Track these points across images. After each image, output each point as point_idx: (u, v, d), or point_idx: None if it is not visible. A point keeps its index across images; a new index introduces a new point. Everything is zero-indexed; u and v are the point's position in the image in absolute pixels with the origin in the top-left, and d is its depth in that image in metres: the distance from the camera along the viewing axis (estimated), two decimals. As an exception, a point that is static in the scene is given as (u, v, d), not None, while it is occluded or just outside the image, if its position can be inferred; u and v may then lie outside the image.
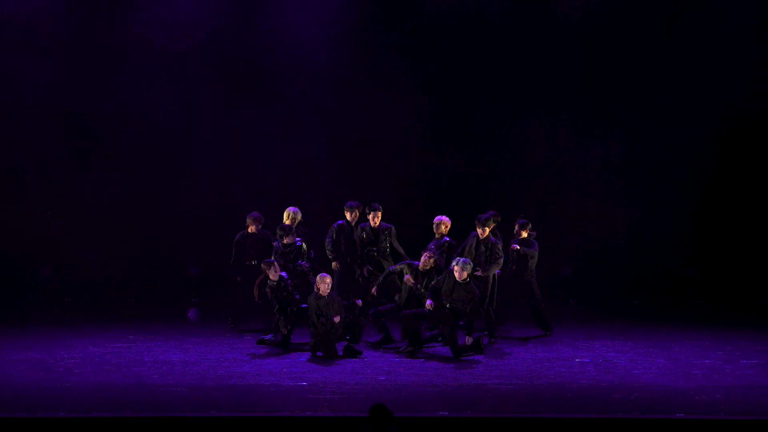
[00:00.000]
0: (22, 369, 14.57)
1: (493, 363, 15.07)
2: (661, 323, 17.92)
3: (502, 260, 16.37)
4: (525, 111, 20.65)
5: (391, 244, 16.93)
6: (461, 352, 15.36)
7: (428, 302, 15.35)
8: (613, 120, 20.80)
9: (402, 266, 16.07)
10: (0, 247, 20.28)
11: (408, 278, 15.76)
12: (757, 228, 20.60)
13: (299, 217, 17.17)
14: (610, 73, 20.60)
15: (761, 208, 20.57)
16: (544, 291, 17.10)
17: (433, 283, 15.57)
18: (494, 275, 16.41)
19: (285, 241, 16.60)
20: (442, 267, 16.01)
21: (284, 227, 16.68)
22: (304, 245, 16.82)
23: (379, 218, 16.90)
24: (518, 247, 16.68)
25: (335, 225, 17.15)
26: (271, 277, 15.68)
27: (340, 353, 15.36)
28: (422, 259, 15.90)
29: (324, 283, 15.36)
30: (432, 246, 16.41)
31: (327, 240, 17.07)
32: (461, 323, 15.48)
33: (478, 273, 16.11)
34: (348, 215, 17.13)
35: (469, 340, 15.44)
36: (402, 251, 16.91)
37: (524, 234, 16.85)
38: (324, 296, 15.33)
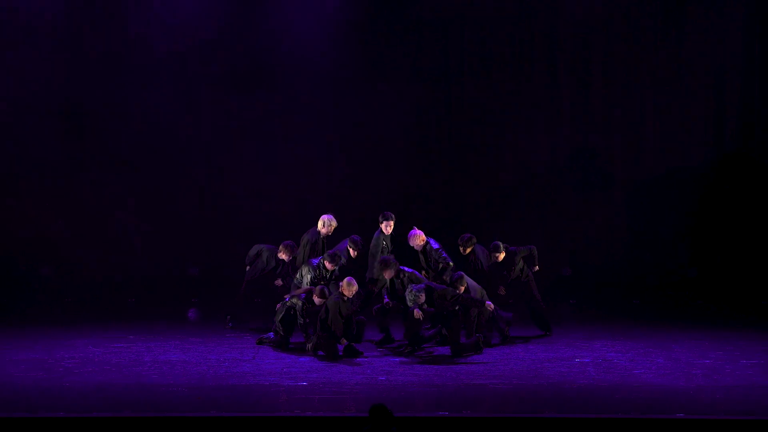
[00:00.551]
0: (22, 369, 14.57)
1: (493, 363, 15.06)
2: (661, 323, 17.91)
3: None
4: (525, 111, 20.66)
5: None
6: (461, 352, 15.35)
7: (416, 311, 15.33)
8: (613, 120, 20.79)
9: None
10: (0, 247, 20.30)
11: (417, 312, 15.54)
12: (757, 228, 20.59)
13: (334, 224, 16.93)
14: (609, 73, 20.60)
15: (761, 208, 20.56)
16: (544, 291, 17.08)
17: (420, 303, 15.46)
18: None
19: (329, 267, 16.30)
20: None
21: (333, 256, 16.30)
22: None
23: (391, 227, 16.70)
24: (503, 292, 16.57)
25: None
26: (316, 302, 15.57)
27: (341, 354, 15.35)
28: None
29: (352, 288, 15.31)
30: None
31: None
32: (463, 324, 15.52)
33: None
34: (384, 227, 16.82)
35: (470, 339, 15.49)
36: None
37: (500, 256, 16.59)
38: (348, 300, 15.32)
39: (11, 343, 16.13)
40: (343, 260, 16.36)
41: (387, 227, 16.54)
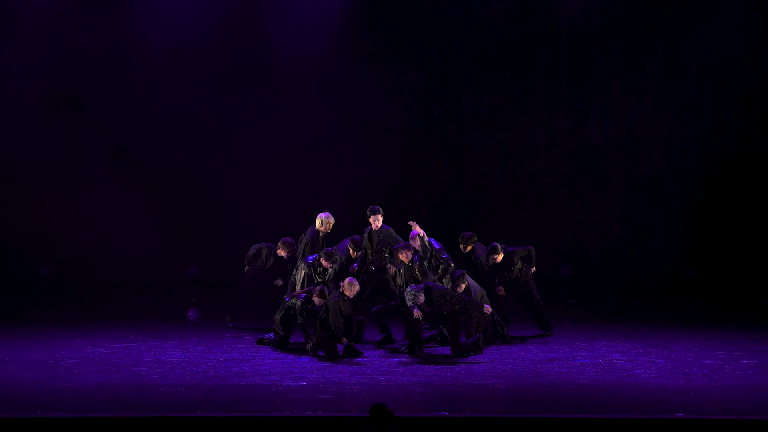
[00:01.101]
0: (22, 369, 14.56)
1: (493, 363, 15.06)
2: (661, 323, 17.91)
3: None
4: (524, 110, 20.67)
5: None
6: (461, 352, 15.35)
7: (415, 311, 15.34)
8: (613, 120, 20.80)
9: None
10: (0, 247, 20.30)
11: (417, 312, 15.56)
12: (756, 228, 20.59)
13: (332, 221, 16.94)
14: (610, 73, 20.61)
15: (761, 207, 20.56)
16: (544, 291, 17.07)
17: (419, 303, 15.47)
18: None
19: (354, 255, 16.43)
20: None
21: (329, 254, 16.35)
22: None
23: (380, 221, 16.71)
24: (502, 292, 16.56)
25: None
26: (316, 303, 15.58)
27: (341, 354, 15.35)
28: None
29: (354, 288, 15.32)
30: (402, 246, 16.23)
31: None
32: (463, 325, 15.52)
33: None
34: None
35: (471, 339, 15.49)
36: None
37: (498, 258, 16.58)
38: (347, 299, 15.32)
39: (11, 343, 16.13)
40: (343, 258, 16.38)
41: (375, 222, 16.56)
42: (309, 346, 15.44)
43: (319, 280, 16.13)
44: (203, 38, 20.30)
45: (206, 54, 20.41)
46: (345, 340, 15.27)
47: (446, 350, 15.57)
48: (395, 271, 16.11)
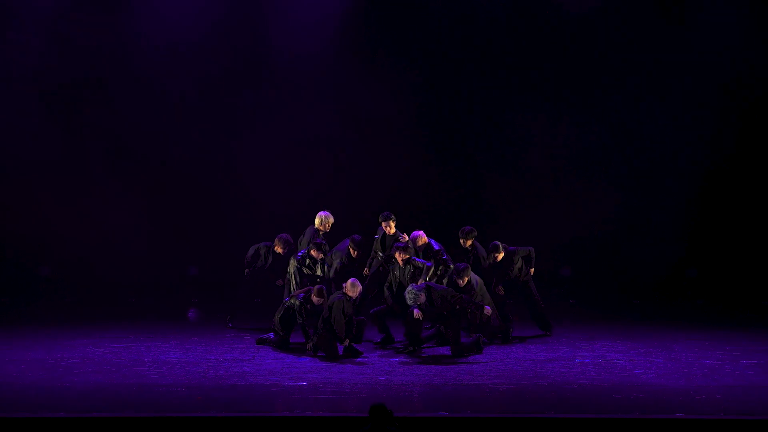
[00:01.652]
0: (22, 369, 14.57)
1: (493, 363, 15.06)
2: (661, 323, 17.91)
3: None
4: (524, 110, 20.67)
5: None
6: (462, 352, 15.35)
7: (415, 311, 15.34)
8: (613, 119, 20.80)
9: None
10: (0, 247, 20.31)
11: (417, 313, 15.59)
12: (757, 228, 20.60)
13: (331, 220, 16.98)
14: (609, 73, 20.62)
15: (761, 207, 20.56)
16: (544, 291, 17.08)
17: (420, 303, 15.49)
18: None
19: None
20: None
21: (319, 245, 16.38)
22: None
23: (393, 227, 16.71)
24: (501, 292, 16.57)
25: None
26: (315, 302, 15.60)
27: (341, 353, 15.36)
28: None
29: (356, 289, 15.32)
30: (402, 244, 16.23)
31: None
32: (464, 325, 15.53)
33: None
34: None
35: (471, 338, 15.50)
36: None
37: (499, 256, 16.60)
38: (350, 300, 15.32)
39: (11, 343, 16.13)
40: (344, 258, 16.39)
41: (387, 227, 16.61)
42: (309, 345, 15.45)
43: (309, 273, 16.18)
44: (203, 38, 20.31)
45: (206, 54, 20.41)
46: (347, 341, 15.28)
47: (446, 350, 15.57)
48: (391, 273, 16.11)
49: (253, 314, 17.43)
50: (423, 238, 16.44)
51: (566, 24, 20.47)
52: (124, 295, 19.79)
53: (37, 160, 20.29)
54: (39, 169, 20.37)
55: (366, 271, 16.72)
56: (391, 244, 16.55)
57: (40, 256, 20.39)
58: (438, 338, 16.01)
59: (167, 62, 20.29)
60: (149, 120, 20.39)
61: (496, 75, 20.64)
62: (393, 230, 16.63)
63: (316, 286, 15.58)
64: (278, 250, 16.90)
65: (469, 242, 16.55)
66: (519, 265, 16.54)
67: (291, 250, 16.85)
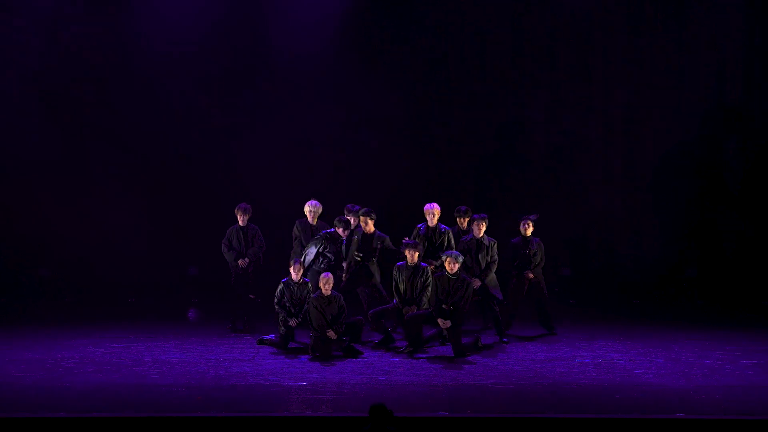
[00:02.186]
0: (22, 369, 14.57)
1: (493, 363, 15.06)
2: (661, 323, 17.91)
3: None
4: (525, 109, 20.67)
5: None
6: (463, 352, 15.35)
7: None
8: (613, 120, 20.80)
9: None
10: (0, 247, 20.30)
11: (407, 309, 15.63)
12: (757, 228, 20.59)
13: (320, 209, 17.05)
14: (610, 72, 20.61)
15: (761, 207, 20.56)
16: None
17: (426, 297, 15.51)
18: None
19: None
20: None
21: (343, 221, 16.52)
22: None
23: (372, 225, 16.60)
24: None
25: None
26: (293, 278, 15.66)
27: (341, 353, 15.35)
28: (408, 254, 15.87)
29: (328, 284, 15.32)
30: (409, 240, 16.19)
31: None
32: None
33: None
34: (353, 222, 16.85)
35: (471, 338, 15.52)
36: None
37: (529, 230, 16.70)
38: (325, 296, 15.32)
39: (11, 343, 16.13)
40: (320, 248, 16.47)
41: (366, 225, 16.50)
42: (293, 322, 15.47)
43: (329, 257, 16.26)
44: (203, 38, 20.30)
45: (206, 54, 20.41)
46: (332, 334, 15.19)
47: (446, 350, 15.57)
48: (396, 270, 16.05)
49: (253, 314, 17.38)
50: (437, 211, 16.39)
51: (566, 23, 20.46)
52: (124, 295, 19.80)
53: (37, 160, 20.28)
54: (39, 169, 20.35)
55: (345, 276, 16.51)
56: (370, 243, 16.40)
57: (40, 256, 20.38)
58: (440, 339, 16.00)
59: (167, 62, 20.29)
60: (149, 120, 20.39)
61: (496, 75, 20.63)
62: (372, 228, 16.50)
63: (322, 275, 15.50)
64: (240, 221, 16.91)
65: (466, 222, 16.60)
66: (541, 254, 16.58)
67: (251, 217, 16.90)
